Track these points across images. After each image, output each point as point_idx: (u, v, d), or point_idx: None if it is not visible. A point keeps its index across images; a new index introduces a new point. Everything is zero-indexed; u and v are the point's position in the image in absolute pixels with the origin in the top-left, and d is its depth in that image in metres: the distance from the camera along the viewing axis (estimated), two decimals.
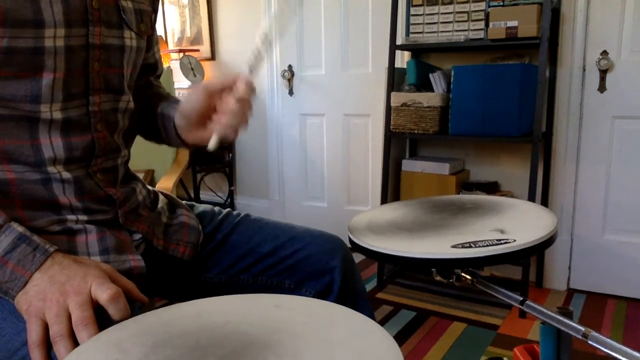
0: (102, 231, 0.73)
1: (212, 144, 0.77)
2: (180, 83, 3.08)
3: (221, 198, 3.40)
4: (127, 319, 0.58)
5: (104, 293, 0.59)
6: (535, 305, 0.73)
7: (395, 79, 2.32)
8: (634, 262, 2.17)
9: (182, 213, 0.90)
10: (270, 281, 0.91)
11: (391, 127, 2.29)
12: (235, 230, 0.92)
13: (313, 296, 0.89)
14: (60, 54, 0.66)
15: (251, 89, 0.75)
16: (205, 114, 0.80)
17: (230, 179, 3.34)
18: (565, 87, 2.21)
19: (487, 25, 2.12)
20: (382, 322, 2.03)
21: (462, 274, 0.80)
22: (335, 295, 0.89)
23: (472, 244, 0.68)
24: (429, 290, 2.32)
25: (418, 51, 2.46)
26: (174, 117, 0.85)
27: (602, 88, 2.15)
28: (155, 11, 0.88)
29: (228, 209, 0.97)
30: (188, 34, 3.36)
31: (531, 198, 2.01)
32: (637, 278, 2.17)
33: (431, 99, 2.19)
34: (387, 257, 0.71)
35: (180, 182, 3.13)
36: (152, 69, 0.95)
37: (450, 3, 2.20)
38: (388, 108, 2.29)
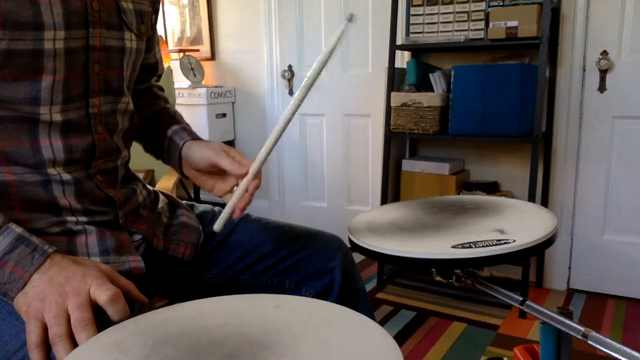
0: (102, 232, 0.73)
1: (218, 226, 0.79)
2: (180, 83, 3.09)
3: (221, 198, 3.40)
4: (126, 319, 0.58)
5: (103, 294, 0.59)
6: (535, 306, 0.73)
7: (395, 79, 2.32)
8: (634, 262, 2.17)
9: (183, 213, 0.90)
10: (270, 281, 0.91)
11: (391, 127, 2.29)
12: (235, 231, 0.92)
13: (313, 296, 0.89)
14: (60, 56, 0.66)
15: (258, 185, 0.78)
16: (210, 173, 0.85)
17: None
18: (565, 87, 2.21)
19: (487, 25, 2.12)
20: (382, 322, 2.03)
21: (462, 274, 0.80)
22: (335, 295, 0.89)
23: (472, 244, 0.68)
24: (429, 290, 2.32)
25: (418, 51, 2.46)
26: (181, 148, 0.86)
27: (602, 88, 2.15)
28: (156, 12, 0.88)
29: None
30: (188, 34, 3.36)
31: (531, 198, 2.01)
32: (637, 278, 2.17)
33: (431, 99, 2.19)
34: (387, 257, 0.71)
35: (180, 182, 3.12)
36: (152, 69, 0.95)
37: (450, 3, 2.20)
38: (388, 108, 2.29)
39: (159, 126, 0.91)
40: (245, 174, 0.77)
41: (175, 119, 0.92)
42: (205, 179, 0.86)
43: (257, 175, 0.78)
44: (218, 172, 0.83)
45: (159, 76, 1.00)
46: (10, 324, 0.62)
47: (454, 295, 2.26)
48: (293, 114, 0.76)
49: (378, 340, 0.50)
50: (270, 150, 0.77)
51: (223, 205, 0.81)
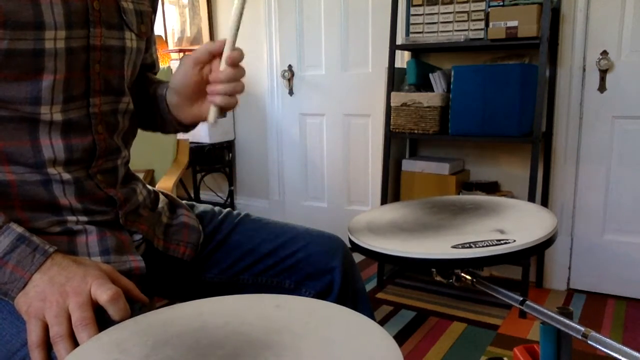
0: (102, 232, 0.73)
1: (211, 116, 0.76)
2: None
3: (221, 198, 3.40)
4: (127, 319, 0.58)
5: (103, 293, 0.59)
6: (535, 306, 0.73)
7: (395, 79, 2.32)
8: (634, 262, 2.17)
9: (183, 213, 0.90)
10: (270, 281, 0.91)
11: (391, 127, 2.29)
12: (235, 230, 0.92)
13: (313, 296, 0.89)
14: (61, 56, 0.66)
15: (239, 51, 0.75)
16: (198, 88, 0.79)
17: (230, 179, 3.35)
18: (565, 87, 2.21)
19: (487, 25, 2.12)
20: (382, 322, 2.03)
21: (462, 274, 0.80)
22: (335, 295, 0.89)
23: (472, 244, 0.68)
24: (429, 290, 2.32)
25: (418, 51, 2.46)
26: (165, 93, 0.84)
27: (602, 88, 2.15)
28: (155, 11, 0.88)
29: (228, 209, 0.97)
30: (188, 34, 3.36)
31: (531, 198, 2.01)
32: (637, 278, 2.17)
33: (431, 99, 2.19)
34: (387, 257, 0.71)
35: (180, 182, 3.13)
36: (149, 68, 0.95)
37: (450, 3, 2.20)
38: (388, 108, 2.29)
39: (143, 93, 0.90)
40: (222, 48, 0.74)
41: (154, 80, 0.91)
42: (199, 102, 0.81)
43: (235, 49, 0.75)
44: (202, 91, 0.79)
45: (155, 74, 1.00)
46: (11, 324, 0.62)
47: (454, 295, 2.26)
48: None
49: (378, 340, 0.50)
50: (239, 20, 0.74)
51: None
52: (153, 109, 0.89)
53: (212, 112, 0.76)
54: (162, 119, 0.89)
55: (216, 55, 0.76)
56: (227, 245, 0.91)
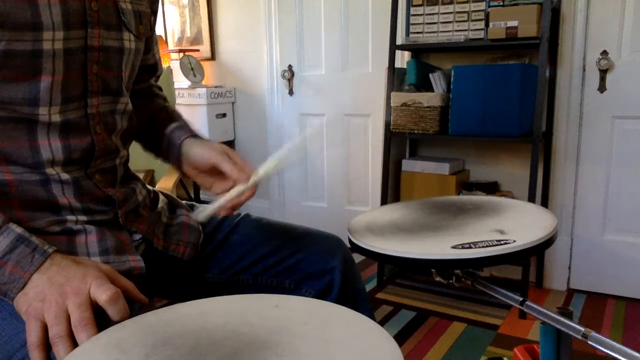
0: (101, 231, 0.73)
1: (202, 217, 0.81)
2: (180, 83, 3.09)
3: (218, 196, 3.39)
4: (126, 319, 0.58)
5: (103, 294, 0.59)
6: (535, 306, 0.73)
7: (395, 79, 2.32)
8: (634, 262, 2.17)
9: (183, 213, 0.90)
10: (270, 281, 0.91)
11: (391, 127, 2.29)
12: (235, 230, 0.92)
13: (313, 296, 0.89)
14: (59, 57, 0.66)
15: (250, 196, 0.79)
16: (209, 172, 0.84)
17: None
18: (565, 87, 2.21)
19: (487, 25, 2.12)
20: (382, 322, 2.03)
21: (462, 275, 0.80)
22: (335, 295, 0.89)
23: (472, 245, 0.68)
24: (429, 291, 2.32)
25: (418, 51, 2.46)
26: (180, 145, 0.86)
27: (602, 88, 2.15)
28: (155, 13, 0.88)
29: None
30: (188, 34, 3.36)
31: (531, 198, 2.01)
32: (637, 278, 2.17)
33: (431, 99, 2.19)
34: (387, 257, 0.71)
35: (180, 182, 3.13)
36: (151, 70, 0.95)
37: (450, 3, 2.20)
38: (388, 108, 2.29)
39: (157, 125, 0.91)
40: (246, 181, 0.77)
41: (173, 116, 0.92)
42: (204, 177, 0.85)
43: (253, 187, 0.78)
44: (217, 173, 0.83)
45: (158, 77, 1.00)
46: (11, 324, 0.62)
47: (454, 295, 2.26)
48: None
49: (378, 340, 0.50)
50: (278, 166, 0.78)
51: None
52: (162, 146, 0.90)
53: (204, 214, 0.80)
54: (166, 158, 0.91)
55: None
56: (227, 245, 0.91)
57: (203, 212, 0.80)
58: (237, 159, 0.81)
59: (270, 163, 0.78)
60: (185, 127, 0.89)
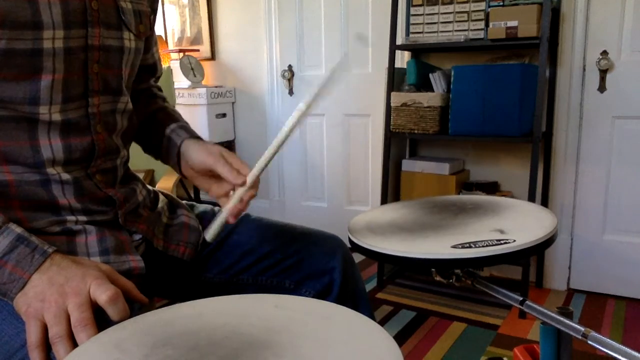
0: (101, 232, 0.73)
1: (210, 236, 0.79)
2: (180, 83, 3.09)
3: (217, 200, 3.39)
4: (126, 319, 0.58)
5: (103, 294, 0.59)
6: (535, 306, 0.73)
7: (395, 79, 2.32)
8: (634, 262, 2.17)
9: (183, 213, 0.90)
10: (270, 281, 0.91)
11: (391, 127, 2.29)
12: (235, 230, 0.92)
13: (313, 296, 0.89)
14: (59, 56, 0.66)
15: (253, 195, 0.79)
16: (207, 174, 0.84)
17: None
18: (565, 87, 2.21)
19: (487, 25, 2.12)
20: (382, 322, 2.03)
21: (462, 274, 0.80)
22: (335, 295, 0.89)
23: (472, 244, 0.68)
24: (429, 290, 2.32)
25: (418, 51, 2.46)
26: (179, 146, 0.86)
27: (602, 88, 2.15)
28: (155, 12, 0.88)
29: None
30: (188, 34, 3.36)
31: (531, 198, 2.01)
32: (637, 278, 2.17)
33: (431, 99, 2.19)
34: (387, 257, 0.71)
35: (180, 182, 3.12)
36: (151, 70, 0.95)
37: (450, 3, 2.20)
38: (388, 108, 2.29)
39: (157, 125, 0.91)
40: (243, 184, 0.77)
41: (173, 117, 0.92)
42: (202, 180, 0.85)
43: (254, 185, 0.78)
44: (215, 175, 0.83)
45: (158, 77, 1.00)
46: (11, 324, 0.62)
47: (454, 295, 2.26)
48: (298, 122, 0.76)
49: (378, 340, 0.50)
50: (269, 161, 0.77)
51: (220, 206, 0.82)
52: (162, 147, 0.89)
53: (212, 232, 0.79)
54: (166, 160, 0.90)
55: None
56: (227, 245, 0.91)
57: (210, 232, 0.79)
58: (233, 161, 0.80)
59: (264, 156, 0.77)
60: (184, 128, 0.89)
